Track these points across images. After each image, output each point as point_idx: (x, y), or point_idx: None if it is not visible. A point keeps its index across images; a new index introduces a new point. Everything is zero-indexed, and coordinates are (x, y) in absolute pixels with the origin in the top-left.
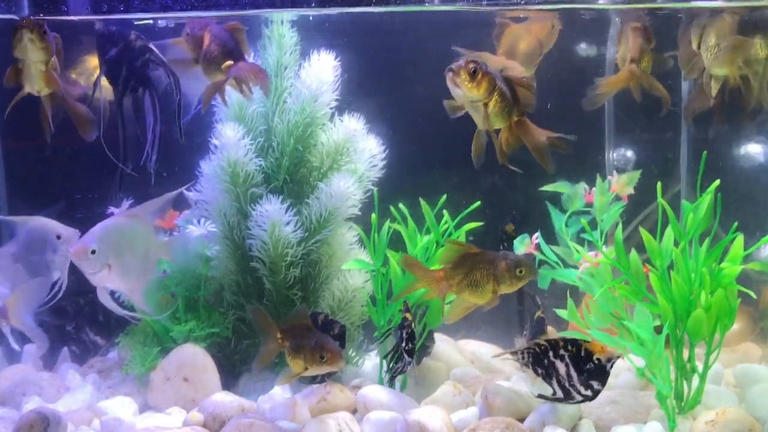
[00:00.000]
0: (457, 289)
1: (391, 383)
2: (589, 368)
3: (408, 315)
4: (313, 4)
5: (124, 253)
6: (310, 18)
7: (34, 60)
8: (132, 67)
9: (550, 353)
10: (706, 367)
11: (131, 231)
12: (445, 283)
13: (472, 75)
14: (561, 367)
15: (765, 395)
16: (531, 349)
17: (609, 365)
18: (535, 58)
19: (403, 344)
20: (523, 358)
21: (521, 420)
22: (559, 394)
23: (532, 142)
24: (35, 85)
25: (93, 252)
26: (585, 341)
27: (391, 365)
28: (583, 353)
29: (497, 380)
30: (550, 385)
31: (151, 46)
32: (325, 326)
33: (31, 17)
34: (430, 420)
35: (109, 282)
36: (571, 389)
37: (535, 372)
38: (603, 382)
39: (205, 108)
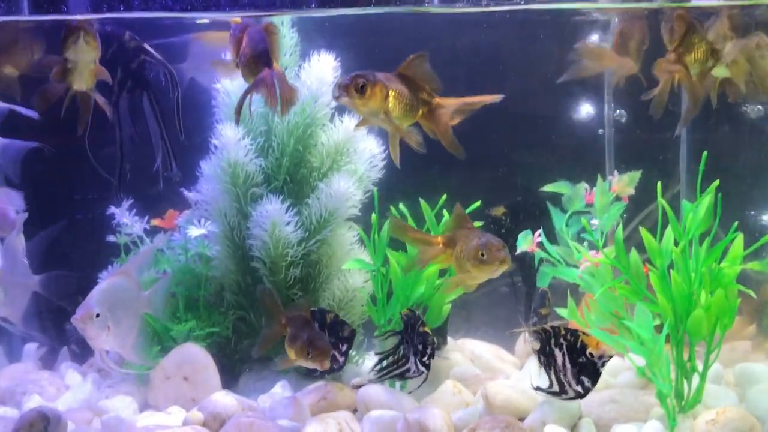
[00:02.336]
0: (452, 260)
1: (376, 379)
2: (581, 361)
3: (427, 329)
4: (313, 5)
5: (120, 312)
6: (316, 18)
7: (87, 60)
8: (127, 69)
9: (552, 340)
10: (706, 367)
11: (124, 289)
12: (443, 249)
13: (361, 90)
14: (559, 357)
15: (765, 395)
16: (539, 332)
17: (600, 362)
18: (641, 53)
19: (424, 358)
20: (534, 338)
21: (521, 419)
22: (555, 386)
23: (441, 131)
24: (84, 83)
25: (97, 316)
26: (584, 333)
27: (387, 366)
28: (578, 345)
29: (497, 379)
30: (549, 375)
31: (146, 46)
32: (334, 327)
33: (81, 19)
34: (430, 419)
35: (107, 344)
36: (564, 382)
37: (539, 360)
38: (593, 380)
39: (238, 121)
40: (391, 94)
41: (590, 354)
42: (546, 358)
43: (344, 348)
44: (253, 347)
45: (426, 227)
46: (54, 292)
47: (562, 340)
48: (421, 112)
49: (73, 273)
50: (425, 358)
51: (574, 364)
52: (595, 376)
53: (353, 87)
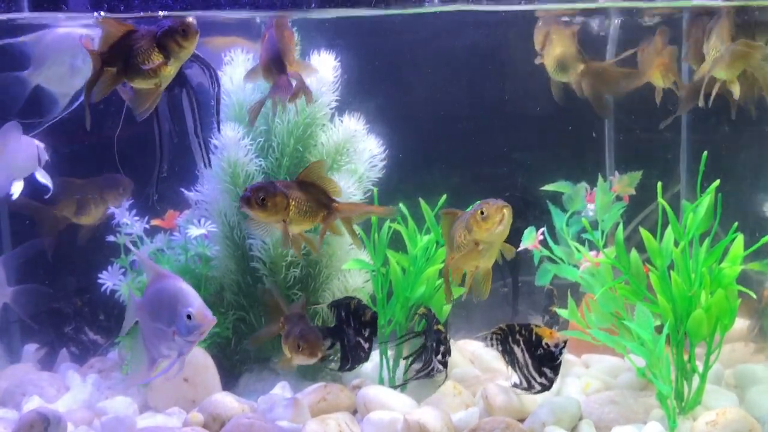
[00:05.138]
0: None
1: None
2: (539, 354)
3: (441, 327)
4: (313, 5)
5: None
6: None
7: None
8: None
9: (510, 338)
10: (707, 368)
11: None
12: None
13: (262, 202)
14: (518, 353)
15: (765, 395)
16: (497, 333)
17: (557, 351)
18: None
19: (439, 357)
20: (491, 341)
21: (521, 420)
22: (524, 383)
23: (347, 230)
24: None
25: None
26: (536, 326)
27: (421, 368)
28: (534, 338)
29: (497, 380)
30: (516, 372)
31: None
32: (357, 312)
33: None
34: (430, 420)
35: None
36: (529, 377)
37: (504, 359)
38: (554, 370)
39: (252, 125)
40: (292, 203)
41: (546, 344)
42: (509, 356)
43: (367, 333)
44: (253, 355)
45: (426, 227)
46: (24, 306)
47: (518, 336)
48: (321, 216)
49: (47, 288)
50: (440, 356)
51: (533, 357)
52: (554, 366)
53: (254, 200)
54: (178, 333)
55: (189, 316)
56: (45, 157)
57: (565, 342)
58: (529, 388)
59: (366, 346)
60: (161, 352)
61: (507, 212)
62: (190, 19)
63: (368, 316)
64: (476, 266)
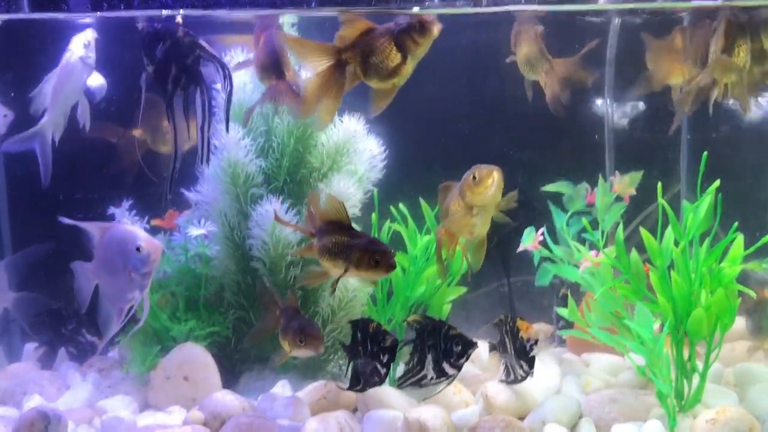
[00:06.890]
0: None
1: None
2: (516, 346)
3: (459, 331)
4: (313, 4)
5: None
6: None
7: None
8: (182, 65)
9: (503, 329)
10: (707, 366)
11: None
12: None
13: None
14: (508, 344)
15: (765, 394)
16: (497, 324)
17: (528, 345)
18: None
19: (454, 359)
20: (496, 325)
21: (521, 418)
22: (512, 374)
23: None
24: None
25: None
26: (521, 318)
27: (409, 371)
28: (515, 330)
29: (497, 379)
30: (505, 366)
31: (201, 41)
32: (376, 336)
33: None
34: (430, 419)
35: None
36: (510, 369)
37: (499, 350)
38: (529, 363)
39: (246, 125)
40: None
41: (521, 338)
42: (503, 347)
43: (385, 359)
44: (253, 354)
45: (426, 227)
46: (23, 312)
47: (507, 328)
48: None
49: (47, 295)
50: (461, 360)
51: (514, 348)
52: (528, 359)
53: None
54: (134, 270)
55: (138, 249)
56: (90, 55)
57: (537, 340)
58: (516, 380)
59: (383, 371)
60: (126, 298)
61: (497, 175)
62: (428, 16)
63: (388, 342)
64: (471, 233)
